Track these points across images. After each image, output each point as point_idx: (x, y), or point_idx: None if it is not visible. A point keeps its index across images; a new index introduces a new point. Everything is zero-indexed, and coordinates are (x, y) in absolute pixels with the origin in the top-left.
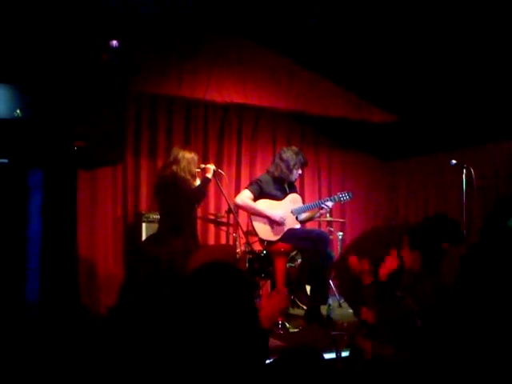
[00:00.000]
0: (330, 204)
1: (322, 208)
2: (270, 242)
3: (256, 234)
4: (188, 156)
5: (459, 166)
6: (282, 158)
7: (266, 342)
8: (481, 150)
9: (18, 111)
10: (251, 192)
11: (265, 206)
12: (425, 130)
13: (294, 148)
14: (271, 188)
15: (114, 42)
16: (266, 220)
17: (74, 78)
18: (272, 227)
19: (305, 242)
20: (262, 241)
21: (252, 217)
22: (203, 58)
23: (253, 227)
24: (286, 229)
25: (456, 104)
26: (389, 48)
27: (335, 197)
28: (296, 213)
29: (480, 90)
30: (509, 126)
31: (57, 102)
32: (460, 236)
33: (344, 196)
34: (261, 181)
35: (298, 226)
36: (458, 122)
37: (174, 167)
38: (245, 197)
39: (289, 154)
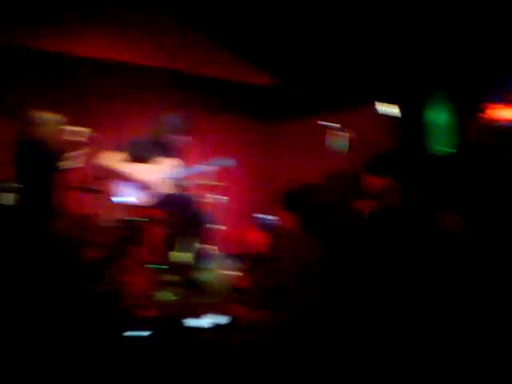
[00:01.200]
0: (203, 169)
1: (199, 173)
2: (144, 208)
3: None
4: (50, 117)
5: (327, 128)
6: (160, 123)
7: None
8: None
9: None
10: (122, 153)
11: (134, 169)
12: (304, 93)
13: (174, 114)
14: (145, 151)
15: None
16: (135, 184)
17: None
18: (141, 191)
19: (171, 207)
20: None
21: (122, 181)
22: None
23: (121, 190)
24: (158, 194)
25: (334, 68)
26: (268, 8)
27: (213, 162)
28: (172, 177)
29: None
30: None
31: None
32: None
33: (223, 162)
34: (133, 143)
35: (169, 191)
36: (332, 86)
37: (34, 129)
38: (113, 159)
39: (168, 119)
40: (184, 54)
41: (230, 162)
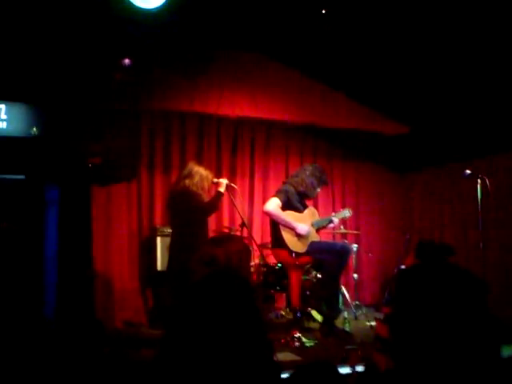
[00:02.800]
0: (336, 220)
1: (332, 222)
2: (297, 254)
3: (284, 245)
4: (202, 172)
5: (474, 176)
6: (307, 175)
7: (271, 356)
8: (495, 160)
9: (35, 129)
10: (280, 200)
11: (291, 217)
12: (438, 141)
13: (318, 166)
14: (295, 200)
15: (127, 61)
16: (293, 231)
17: (88, 97)
18: (298, 239)
19: (329, 255)
20: (290, 252)
21: (281, 227)
22: (214, 73)
23: (281, 237)
24: (308, 241)
25: (468, 114)
26: (401, 60)
27: (341, 213)
28: (316, 225)
29: (492, 99)
30: None
31: (72, 120)
32: None
33: (344, 213)
34: (288, 191)
35: (318, 238)
36: (470, 132)
37: (187, 181)
38: (275, 205)
39: (314, 171)
40: (319, 108)
41: (350, 214)
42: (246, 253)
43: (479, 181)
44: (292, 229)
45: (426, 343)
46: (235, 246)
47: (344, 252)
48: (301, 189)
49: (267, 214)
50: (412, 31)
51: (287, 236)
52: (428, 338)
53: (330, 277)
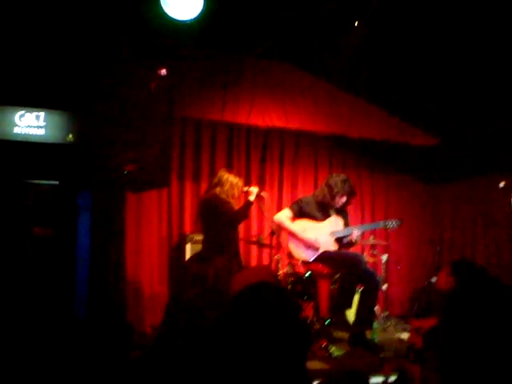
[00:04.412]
0: (356, 232)
1: (351, 235)
2: (305, 262)
3: (291, 254)
4: (233, 180)
5: (507, 189)
6: (327, 184)
7: (303, 365)
8: None
9: (71, 136)
10: (291, 211)
11: (300, 227)
12: (469, 152)
13: (342, 175)
14: (313, 209)
15: (163, 71)
16: (300, 241)
17: (124, 105)
18: (307, 248)
19: (338, 265)
20: (302, 262)
21: (289, 237)
22: (245, 82)
23: (288, 247)
24: (321, 250)
25: (498, 125)
26: (430, 70)
27: (382, 223)
28: (335, 235)
29: None
30: None
31: (106, 127)
32: None
33: (391, 223)
34: (302, 201)
35: (333, 248)
36: (502, 143)
37: (218, 189)
38: (283, 215)
39: (335, 180)
40: (348, 118)
41: (395, 224)
42: (232, 268)
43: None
44: (298, 239)
45: (477, 361)
46: (221, 261)
47: (353, 262)
48: (319, 198)
49: (274, 224)
50: (445, 41)
51: (292, 245)
52: (479, 356)
53: (343, 287)
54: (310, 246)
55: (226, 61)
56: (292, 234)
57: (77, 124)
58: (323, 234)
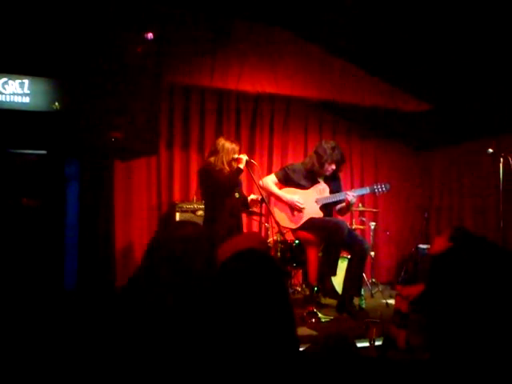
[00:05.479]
0: (351, 195)
1: (345, 199)
2: (291, 230)
3: (276, 221)
4: (228, 146)
5: (496, 155)
6: (316, 151)
7: (293, 331)
8: None
9: (57, 104)
10: (276, 177)
11: (285, 191)
12: (459, 118)
13: (331, 142)
14: (300, 177)
15: (150, 35)
16: (286, 207)
17: (109, 71)
18: (292, 214)
19: (321, 232)
20: (279, 226)
21: (274, 203)
22: (235, 47)
23: (273, 213)
24: (306, 217)
25: (491, 90)
26: (421, 35)
27: (370, 188)
28: (321, 202)
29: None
30: None
31: (93, 94)
32: None
33: (379, 187)
34: (288, 168)
35: (319, 215)
36: (493, 108)
37: (212, 158)
38: (268, 180)
39: (324, 148)
40: (339, 84)
41: (384, 188)
42: (203, 240)
43: (502, 159)
44: (283, 202)
45: (466, 325)
46: (193, 231)
47: (336, 229)
48: (308, 166)
49: (258, 187)
50: (435, 8)
51: (277, 211)
52: (470, 322)
53: (326, 255)
54: (296, 211)
55: (214, 25)
56: (276, 197)
57: (62, 91)
58: (309, 201)
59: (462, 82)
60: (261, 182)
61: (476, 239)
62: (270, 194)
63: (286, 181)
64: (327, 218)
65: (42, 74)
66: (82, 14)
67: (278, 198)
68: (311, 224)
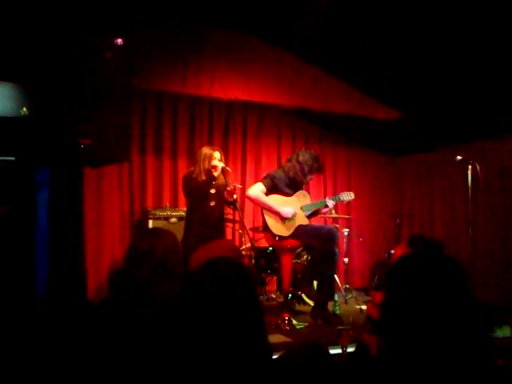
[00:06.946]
0: (331, 203)
1: (327, 206)
2: (281, 237)
3: (268, 229)
4: (206, 152)
5: (465, 162)
6: (298, 160)
7: (265, 338)
8: (486, 145)
9: (25, 109)
10: (264, 186)
11: (275, 201)
12: (429, 126)
13: (313, 152)
14: (283, 185)
15: (119, 40)
16: (277, 216)
17: (78, 76)
18: (283, 223)
19: (314, 239)
20: (273, 235)
21: (264, 211)
22: (207, 54)
23: (265, 222)
24: (296, 225)
25: (460, 99)
26: (392, 44)
27: (338, 197)
28: (305, 209)
29: (484, 84)
30: None
31: (61, 99)
32: None
33: (346, 196)
34: (275, 177)
35: (306, 222)
36: (462, 117)
37: (192, 167)
38: (257, 190)
39: (306, 157)
40: (311, 92)
41: (352, 198)
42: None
43: (470, 166)
44: (275, 213)
45: (418, 328)
46: (172, 239)
47: (329, 237)
48: (290, 174)
49: (248, 198)
50: (406, 17)
51: (270, 220)
52: (420, 323)
53: (317, 261)
54: (286, 219)
55: (186, 31)
56: (268, 208)
57: (30, 97)
58: (295, 208)
59: (431, 89)
60: (249, 193)
61: (432, 245)
62: (261, 204)
63: (272, 189)
64: (319, 226)
65: (8, 79)
66: (49, 18)
67: (270, 209)
68: (303, 231)
